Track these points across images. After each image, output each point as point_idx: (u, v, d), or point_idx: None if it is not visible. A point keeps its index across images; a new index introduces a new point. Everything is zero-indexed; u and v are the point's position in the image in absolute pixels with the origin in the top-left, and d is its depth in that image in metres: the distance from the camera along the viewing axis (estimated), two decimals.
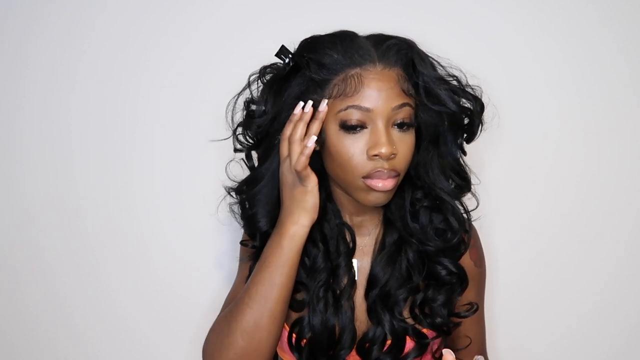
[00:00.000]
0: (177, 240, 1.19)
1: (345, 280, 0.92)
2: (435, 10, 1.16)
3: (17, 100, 1.14)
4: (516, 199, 1.22)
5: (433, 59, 0.87)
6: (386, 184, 0.83)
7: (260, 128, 0.89)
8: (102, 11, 1.13)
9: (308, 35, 0.88)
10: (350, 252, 0.94)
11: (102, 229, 1.18)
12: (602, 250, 1.25)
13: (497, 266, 1.18)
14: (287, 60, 0.86)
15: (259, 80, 0.91)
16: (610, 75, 1.21)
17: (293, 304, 0.92)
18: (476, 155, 0.99)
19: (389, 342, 0.90)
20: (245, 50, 1.04)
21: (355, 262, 0.94)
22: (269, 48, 0.87)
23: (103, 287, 1.19)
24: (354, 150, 0.82)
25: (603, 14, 1.19)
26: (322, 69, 0.83)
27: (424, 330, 0.92)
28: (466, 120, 0.89)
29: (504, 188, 1.18)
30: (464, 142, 0.92)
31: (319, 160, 0.89)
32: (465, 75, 0.89)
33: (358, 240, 0.95)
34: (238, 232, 1.05)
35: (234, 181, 0.96)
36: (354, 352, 0.91)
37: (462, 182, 0.92)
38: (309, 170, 0.83)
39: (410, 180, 0.91)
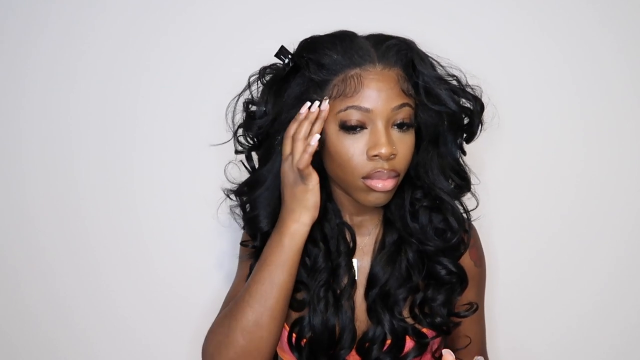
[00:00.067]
0: (177, 240, 1.19)
1: (345, 280, 0.92)
2: (435, 10, 1.16)
3: (17, 100, 1.14)
4: (516, 199, 1.22)
5: (433, 59, 0.87)
6: (386, 184, 0.83)
7: (261, 129, 0.89)
8: (102, 11, 1.13)
9: (308, 36, 0.88)
10: (351, 252, 0.94)
11: (102, 229, 1.18)
12: (602, 250, 1.25)
13: (497, 266, 1.18)
14: (286, 60, 0.86)
15: (259, 81, 0.91)
16: (610, 75, 1.21)
17: (293, 303, 0.92)
18: (476, 155, 0.99)
19: (388, 341, 0.90)
20: (245, 50, 1.05)
21: (355, 261, 0.94)
22: (269, 48, 0.87)
23: (103, 287, 1.19)
24: (353, 150, 0.82)
25: (603, 14, 1.19)
26: (322, 70, 0.83)
27: (424, 330, 0.92)
28: (466, 120, 0.89)
29: (504, 188, 1.18)
30: (464, 142, 0.92)
31: (319, 161, 0.89)
32: (465, 75, 0.89)
33: (358, 240, 0.95)
34: (238, 232, 1.05)
35: (232, 183, 0.96)
36: (354, 352, 0.91)
37: (462, 182, 0.92)
38: (310, 168, 0.83)
39: (410, 180, 0.91)
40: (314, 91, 0.84)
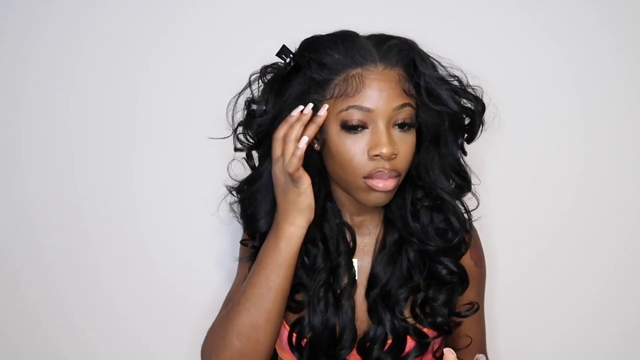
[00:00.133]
0: (177, 240, 1.19)
1: (345, 280, 0.92)
2: (435, 10, 1.16)
3: (17, 100, 1.14)
4: (516, 199, 1.22)
5: (434, 59, 0.87)
6: (387, 184, 0.83)
7: (261, 128, 0.89)
8: (102, 11, 1.13)
9: (309, 35, 0.88)
10: (351, 252, 0.94)
11: (102, 229, 1.18)
12: (602, 250, 1.26)
13: (497, 266, 1.18)
14: (288, 60, 0.86)
15: (260, 80, 0.90)
16: (610, 75, 1.21)
17: (292, 305, 0.92)
18: (476, 155, 0.99)
19: (389, 341, 0.90)
20: (245, 50, 1.04)
21: (355, 261, 0.94)
22: (269, 48, 0.87)
23: (103, 287, 1.19)
24: (355, 150, 0.82)
25: (603, 14, 1.19)
26: (323, 69, 0.83)
27: (425, 330, 0.92)
28: (467, 121, 0.89)
29: (504, 188, 1.18)
30: (465, 142, 0.92)
31: (320, 160, 0.89)
32: (465, 76, 0.89)
33: (358, 239, 0.95)
34: (238, 232, 1.05)
35: (235, 180, 0.96)
36: (354, 352, 0.91)
37: (463, 182, 0.92)
38: (301, 171, 0.83)
39: (411, 180, 0.91)
40: (315, 91, 0.84)
